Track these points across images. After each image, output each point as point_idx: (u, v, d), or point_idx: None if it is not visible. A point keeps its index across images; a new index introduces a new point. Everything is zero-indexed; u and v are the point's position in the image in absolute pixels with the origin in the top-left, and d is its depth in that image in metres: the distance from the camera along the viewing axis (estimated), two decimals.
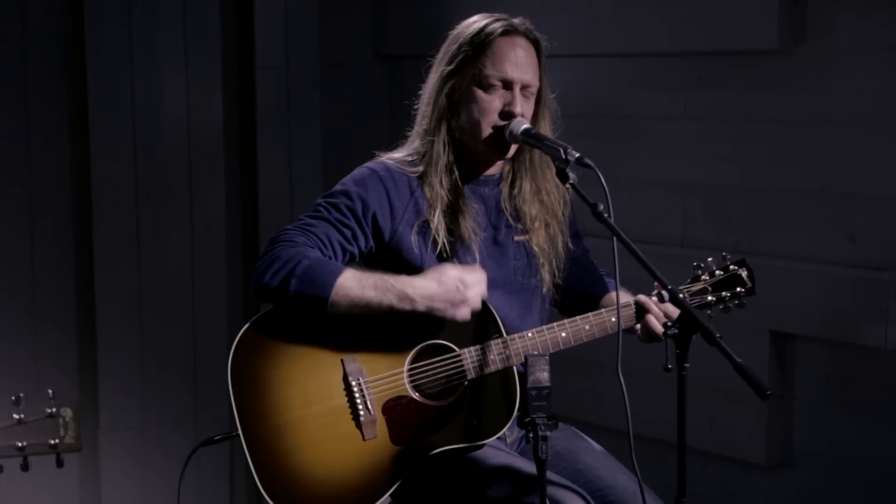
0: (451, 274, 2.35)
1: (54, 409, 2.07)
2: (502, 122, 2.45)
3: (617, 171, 3.76)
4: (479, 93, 2.46)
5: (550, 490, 2.29)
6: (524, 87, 2.47)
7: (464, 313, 2.36)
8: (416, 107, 2.57)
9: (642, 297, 2.50)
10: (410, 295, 2.34)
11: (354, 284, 2.33)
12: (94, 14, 3.96)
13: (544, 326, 2.47)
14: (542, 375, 2.18)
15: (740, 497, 3.59)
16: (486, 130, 2.46)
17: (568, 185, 2.33)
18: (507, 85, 2.46)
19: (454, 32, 2.53)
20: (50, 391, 2.08)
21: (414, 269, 2.45)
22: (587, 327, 2.47)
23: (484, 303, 2.42)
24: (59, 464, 2.10)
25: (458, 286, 2.34)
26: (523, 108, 2.46)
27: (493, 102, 2.45)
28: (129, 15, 4.02)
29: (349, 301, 2.33)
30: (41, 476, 2.24)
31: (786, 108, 3.38)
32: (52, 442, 2.07)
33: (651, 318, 2.49)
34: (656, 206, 3.72)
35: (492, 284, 2.48)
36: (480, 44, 2.46)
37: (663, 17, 3.60)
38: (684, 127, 3.63)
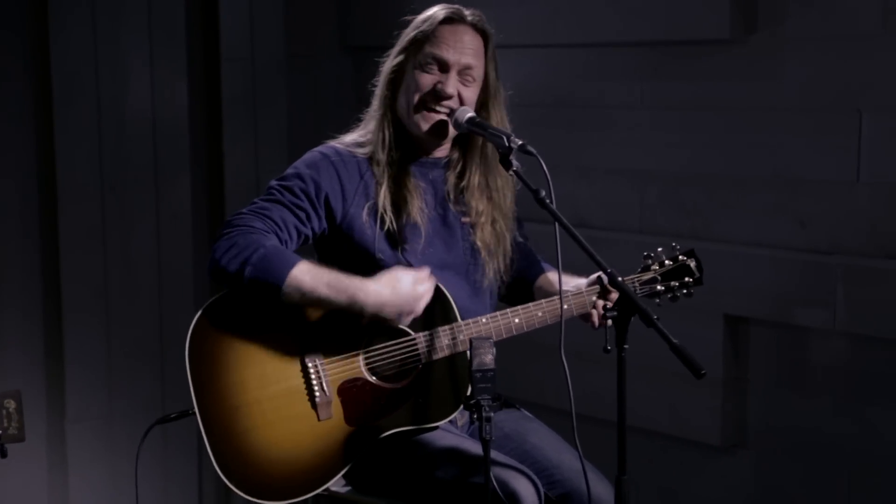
0: (406, 283, 2.40)
1: None
2: (434, 103, 2.50)
3: (576, 160, 3.83)
4: (417, 72, 2.52)
5: (496, 470, 2.34)
6: (462, 71, 2.51)
7: (408, 321, 2.43)
8: (373, 91, 2.63)
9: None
10: (361, 300, 2.38)
11: (308, 279, 2.38)
12: (58, 4, 3.97)
13: (497, 313, 2.52)
14: (487, 358, 2.23)
15: (697, 478, 3.65)
16: (418, 108, 2.51)
17: (511, 172, 2.38)
18: (444, 66, 2.50)
19: (412, 21, 2.59)
20: None
21: (365, 250, 2.50)
22: (539, 314, 2.52)
23: (439, 287, 2.47)
24: (3, 454, 2.12)
25: (410, 299, 2.39)
26: (461, 91, 2.50)
27: (426, 81, 2.50)
28: (94, 5, 4.03)
29: (301, 294, 2.38)
30: (9, 466, 2.26)
31: (738, 97, 3.44)
32: None
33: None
34: (614, 193, 3.77)
35: (442, 265, 2.54)
36: (425, 29, 2.52)
37: (619, 7, 3.65)
38: (641, 116, 3.69)
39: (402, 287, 2.39)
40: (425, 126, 2.52)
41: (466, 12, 2.55)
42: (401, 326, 2.44)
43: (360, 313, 2.40)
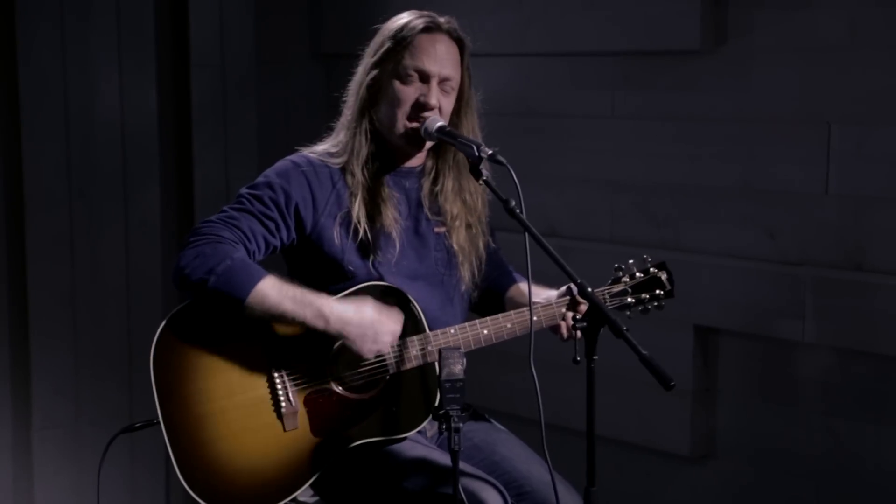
0: (369, 314, 2.39)
1: None
2: (417, 115, 2.49)
3: (547, 169, 3.83)
4: (397, 84, 2.50)
5: (465, 481, 2.32)
6: (442, 81, 2.50)
7: (370, 352, 2.40)
8: (343, 100, 2.61)
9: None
10: (326, 314, 2.37)
11: (274, 293, 2.36)
12: (26, 9, 3.94)
13: (466, 324, 2.51)
14: (456, 368, 2.22)
15: (666, 489, 3.66)
16: (402, 121, 2.49)
17: (481, 182, 2.38)
18: (424, 77, 2.49)
19: (381, 28, 2.57)
20: None
21: (335, 261, 2.48)
22: (508, 325, 2.50)
23: (408, 298, 2.46)
24: None
25: (369, 332, 2.37)
26: (441, 101, 2.49)
27: (408, 93, 2.49)
28: (62, 10, 4.01)
29: (263, 309, 2.36)
30: None
31: (708, 107, 3.46)
32: None
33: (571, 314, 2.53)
34: (586, 203, 3.78)
35: (413, 276, 2.52)
36: (402, 38, 2.50)
37: (592, 17, 3.66)
38: (613, 125, 3.69)
39: (366, 318, 2.38)
40: (409, 139, 2.51)
41: (441, 20, 2.53)
42: (363, 354, 2.40)
43: (322, 329, 2.38)
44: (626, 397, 3.57)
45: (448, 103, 2.52)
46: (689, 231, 3.53)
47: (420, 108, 2.48)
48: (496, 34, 3.89)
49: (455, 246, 2.58)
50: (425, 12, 2.55)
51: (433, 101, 2.48)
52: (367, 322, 2.38)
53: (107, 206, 4.15)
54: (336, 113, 2.63)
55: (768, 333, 3.35)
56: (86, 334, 4.12)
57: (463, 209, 2.59)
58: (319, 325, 2.37)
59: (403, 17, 2.54)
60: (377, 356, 2.43)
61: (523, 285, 2.65)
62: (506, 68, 3.89)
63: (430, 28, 2.50)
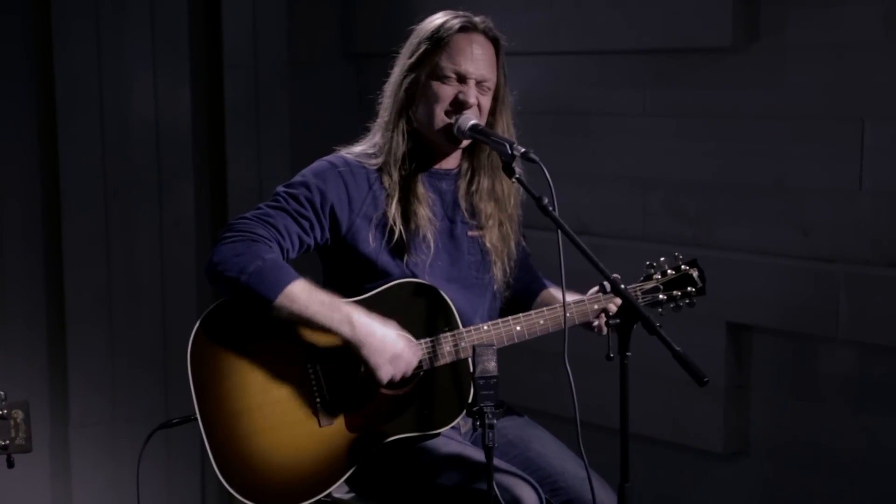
0: (394, 336, 2.39)
1: (5, 411, 2.11)
2: (455, 112, 2.50)
3: (579, 167, 3.84)
4: (435, 84, 2.52)
5: (499, 477, 2.34)
6: (480, 83, 2.52)
7: (383, 376, 2.40)
8: (379, 101, 2.63)
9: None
10: (354, 321, 2.38)
11: (304, 297, 2.38)
12: (62, 12, 3.98)
13: (499, 320, 2.52)
14: (490, 365, 2.23)
15: (698, 485, 3.65)
16: (440, 119, 2.51)
17: (514, 179, 2.39)
18: (462, 79, 2.51)
19: (416, 28, 2.58)
20: (2, 392, 2.11)
21: (369, 262, 2.50)
22: (541, 321, 2.52)
23: (441, 294, 2.48)
24: (10, 464, 2.13)
25: (389, 351, 2.37)
26: (479, 100, 2.51)
27: (447, 92, 2.51)
28: (97, 13, 4.04)
29: (291, 311, 2.38)
30: (12, 472, 2.26)
31: (740, 104, 3.45)
32: (3, 443, 2.10)
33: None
34: (617, 201, 3.78)
35: (448, 278, 2.54)
36: (439, 39, 2.51)
37: (623, 15, 3.66)
38: (644, 123, 3.69)
39: (392, 333, 2.39)
40: (447, 136, 2.52)
41: (477, 20, 2.55)
42: (377, 375, 2.40)
43: (347, 335, 2.38)
44: (659, 394, 3.57)
45: (486, 102, 2.54)
46: (721, 228, 3.52)
47: (459, 105, 2.50)
48: (527, 33, 3.88)
49: (488, 244, 2.60)
50: (460, 12, 2.56)
51: (472, 98, 2.50)
52: (389, 341, 2.39)
53: (142, 206, 4.18)
54: (368, 112, 2.65)
55: (801, 330, 3.34)
56: (121, 332, 4.16)
57: (496, 208, 2.60)
58: (345, 330, 2.39)
59: (439, 18, 2.55)
60: (377, 382, 2.42)
61: (554, 290, 2.67)
62: (537, 67, 3.89)
63: (467, 28, 2.52)
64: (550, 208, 2.30)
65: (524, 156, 2.37)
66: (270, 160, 4.40)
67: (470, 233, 2.60)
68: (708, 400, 3.48)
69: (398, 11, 4.27)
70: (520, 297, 2.71)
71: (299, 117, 4.48)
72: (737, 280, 3.41)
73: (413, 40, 2.57)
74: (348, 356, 2.43)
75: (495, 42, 2.56)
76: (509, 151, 2.37)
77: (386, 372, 2.40)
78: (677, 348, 2.15)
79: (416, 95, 2.54)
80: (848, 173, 3.23)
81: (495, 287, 2.62)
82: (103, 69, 4.08)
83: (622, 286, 2.29)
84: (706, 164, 3.54)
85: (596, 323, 2.55)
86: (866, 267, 3.21)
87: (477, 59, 2.51)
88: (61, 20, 3.99)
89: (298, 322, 2.40)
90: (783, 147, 3.36)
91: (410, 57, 2.55)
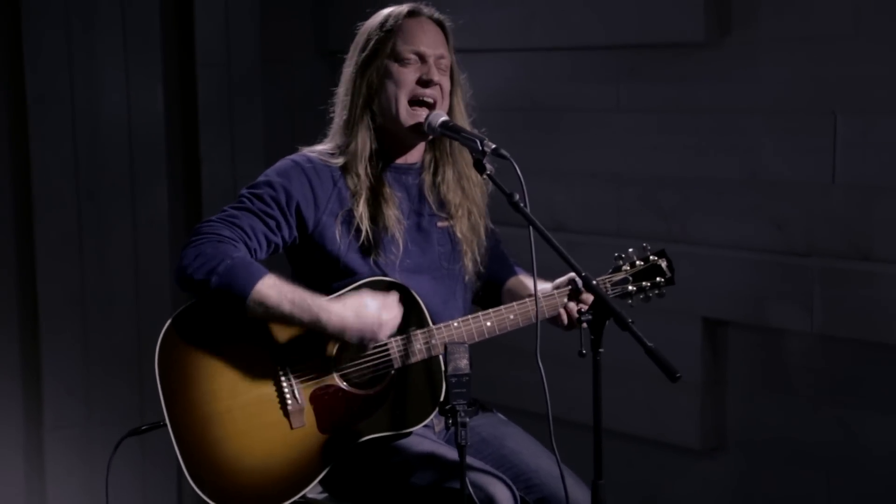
0: (371, 308, 2.38)
1: None
2: (419, 96, 2.50)
3: (553, 164, 3.83)
4: (396, 67, 2.52)
5: (473, 475, 2.33)
6: (437, 59, 2.53)
7: (369, 345, 2.41)
8: (332, 104, 2.62)
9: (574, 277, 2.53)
10: (324, 321, 2.37)
11: (273, 294, 2.36)
12: (32, 11, 3.95)
13: (469, 316, 2.51)
14: (462, 363, 2.22)
15: (676, 481, 3.65)
16: (404, 104, 2.51)
17: (485, 176, 2.38)
18: (422, 58, 2.52)
19: (363, 27, 2.60)
20: None
21: (336, 260, 2.49)
22: (511, 316, 2.51)
23: (411, 292, 2.47)
24: None
25: (374, 326, 2.37)
26: (440, 79, 2.52)
27: (409, 74, 2.51)
28: (68, 12, 4.02)
29: (265, 308, 2.36)
30: None
31: (713, 99, 3.45)
32: None
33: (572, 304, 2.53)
34: (592, 197, 3.77)
35: (417, 270, 2.53)
36: (390, 27, 2.53)
37: (595, 11, 3.66)
38: (618, 119, 3.69)
39: (367, 312, 2.38)
40: (411, 122, 2.51)
41: (422, 5, 2.59)
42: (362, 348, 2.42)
43: (322, 332, 2.38)
44: (635, 391, 3.57)
45: (446, 83, 2.55)
46: (696, 223, 3.52)
47: (425, 85, 2.50)
48: (500, 29, 3.89)
49: (459, 234, 2.59)
50: (405, 4, 2.59)
51: (435, 76, 2.51)
52: (366, 322, 2.38)
53: (115, 206, 4.16)
54: None
55: (776, 325, 3.34)
56: (95, 334, 4.13)
57: (464, 197, 2.60)
58: (318, 328, 2.38)
59: (384, 10, 2.58)
60: (379, 346, 2.43)
61: (523, 276, 2.66)
62: (510, 63, 3.88)
63: (414, 13, 2.56)
64: (522, 205, 2.29)
65: (495, 152, 2.35)
66: (244, 158, 4.38)
67: (439, 223, 2.60)
68: (684, 396, 3.48)
69: (373, 9, 4.24)
70: (489, 283, 2.70)
71: (273, 116, 4.46)
72: (712, 275, 3.42)
73: (360, 38, 2.58)
74: (318, 357, 2.41)
75: (441, 26, 2.58)
76: (480, 147, 2.36)
77: (366, 346, 2.40)
78: (649, 344, 2.14)
79: (376, 86, 2.53)
80: (821, 167, 3.23)
81: (466, 278, 2.61)
82: (74, 69, 4.05)
83: (594, 282, 2.28)
84: (680, 159, 3.54)
85: (564, 316, 2.53)
86: (840, 260, 3.22)
87: (431, 39, 2.53)
88: (31, 19, 3.96)
89: (272, 320, 2.39)
90: (756, 141, 3.37)
91: (363, 52, 2.55)
